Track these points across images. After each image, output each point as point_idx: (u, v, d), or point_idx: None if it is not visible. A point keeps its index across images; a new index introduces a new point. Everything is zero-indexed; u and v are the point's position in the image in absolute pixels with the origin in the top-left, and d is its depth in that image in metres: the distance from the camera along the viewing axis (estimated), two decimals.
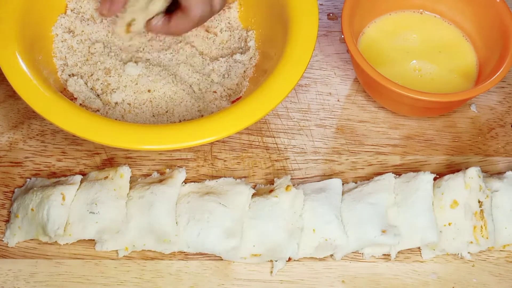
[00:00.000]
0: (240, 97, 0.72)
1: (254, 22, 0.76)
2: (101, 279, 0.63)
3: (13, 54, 0.63)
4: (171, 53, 0.73)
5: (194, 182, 0.68)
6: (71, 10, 0.74)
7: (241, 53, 0.74)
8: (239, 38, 0.76)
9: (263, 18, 0.74)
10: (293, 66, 0.65)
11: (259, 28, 0.75)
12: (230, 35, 0.76)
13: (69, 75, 0.71)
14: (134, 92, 0.70)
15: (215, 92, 0.71)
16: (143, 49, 0.73)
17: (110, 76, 0.70)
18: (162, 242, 0.63)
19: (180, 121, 0.70)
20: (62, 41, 0.72)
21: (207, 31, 0.76)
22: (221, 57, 0.74)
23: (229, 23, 0.77)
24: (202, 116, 0.70)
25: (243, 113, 0.62)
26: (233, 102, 0.71)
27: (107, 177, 0.65)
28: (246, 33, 0.75)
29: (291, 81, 0.64)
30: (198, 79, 0.72)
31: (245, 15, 0.77)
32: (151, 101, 0.70)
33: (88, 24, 0.73)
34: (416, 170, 0.69)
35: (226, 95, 0.72)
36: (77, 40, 0.73)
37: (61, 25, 0.73)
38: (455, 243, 0.64)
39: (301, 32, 0.67)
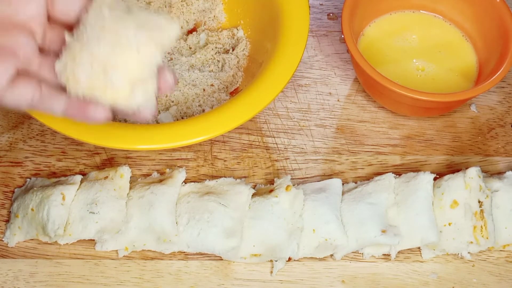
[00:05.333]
0: (238, 87, 0.72)
1: (241, 12, 0.76)
2: (101, 279, 0.63)
3: None
4: (169, 53, 0.74)
5: (194, 182, 0.67)
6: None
7: (232, 45, 0.74)
8: (227, 30, 0.76)
9: (249, 7, 0.74)
10: (289, 55, 0.65)
11: (246, 18, 0.75)
12: (218, 28, 0.76)
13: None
14: None
15: (212, 85, 0.72)
16: None
17: None
18: (162, 242, 0.63)
19: (182, 117, 0.70)
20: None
21: (195, 27, 0.76)
22: (212, 50, 0.74)
23: (214, 16, 0.77)
24: (203, 110, 0.70)
25: (240, 109, 0.62)
26: (231, 93, 0.72)
27: (107, 177, 0.65)
28: (234, 25, 0.76)
29: (289, 69, 0.64)
30: (196, 74, 0.72)
31: (230, 6, 0.77)
32: None
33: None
34: (416, 170, 0.69)
35: (223, 87, 0.72)
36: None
37: None
38: (455, 243, 0.64)
39: (293, 15, 0.67)
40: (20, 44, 0.49)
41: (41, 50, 0.52)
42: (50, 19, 0.52)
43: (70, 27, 0.52)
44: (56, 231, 0.62)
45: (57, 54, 0.51)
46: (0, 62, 0.48)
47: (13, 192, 0.68)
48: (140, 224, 0.63)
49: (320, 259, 0.65)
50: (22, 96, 0.49)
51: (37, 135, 0.71)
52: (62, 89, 0.51)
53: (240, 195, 0.64)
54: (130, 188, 0.65)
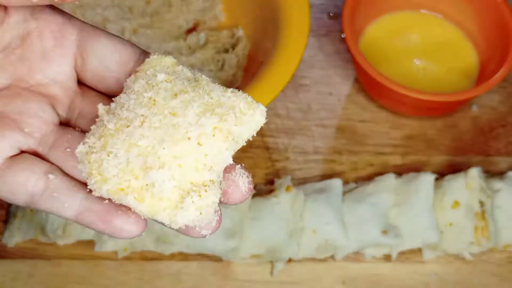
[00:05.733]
0: (238, 87, 0.72)
1: (241, 11, 0.76)
2: (100, 280, 0.63)
3: None
4: (168, 52, 0.74)
5: None
6: None
7: (232, 44, 0.74)
8: (227, 30, 0.76)
9: (249, 7, 0.74)
10: (289, 54, 0.64)
11: (246, 17, 0.75)
12: (218, 27, 0.76)
13: None
14: None
15: None
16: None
17: None
18: (162, 243, 0.63)
19: None
20: None
21: (195, 26, 0.76)
22: (212, 50, 0.74)
23: (214, 15, 0.77)
24: None
25: None
26: None
27: None
28: (234, 25, 0.76)
29: (290, 68, 0.63)
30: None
31: (230, 6, 0.77)
32: None
33: None
34: (417, 170, 0.69)
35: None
36: None
37: None
38: (456, 243, 0.64)
39: (293, 14, 0.67)
40: (30, 114, 0.36)
41: (66, 125, 0.38)
42: (82, 83, 0.38)
43: (110, 96, 0.37)
44: (55, 232, 0.61)
45: (85, 132, 0.36)
46: None
47: None
48: None
49: (321, 260, 0.65)
50: (18, 186, 0.35)
51: None
52: (81, 183, 0.36)
53: None
54: None
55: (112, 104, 0.35)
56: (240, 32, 0.75)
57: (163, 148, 0.33)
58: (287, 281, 0.64)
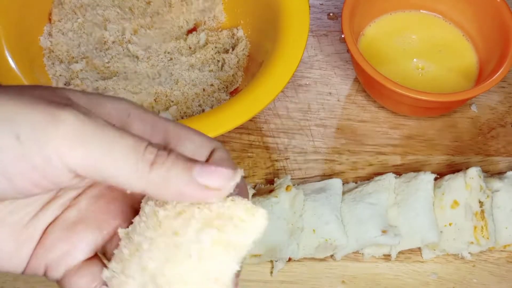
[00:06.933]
0: (238, 87, 0.72)
1: (241, 12, 0.76)
2: None
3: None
4: (169, 53, 0.74)
5: None
6: (57, 20, 0.73)
7: (232, 44, 0.74)
8: (227, 30, 0.76)
9: (249, 7, 0.74)
10: (289, 54, 0.64)
11: (246, 17, 0.75)
12: (218, 28, 0.76)
13: (65, 84, 0.71)
14: (134, 94, 0.70)
15: (212, 85, 0.71)
16: (140, 55, 0.73)
17: (107, 80, 0.70)
18: None
19: (182, 117, 0.69)
20: (51, 51, 0.72)
21: (195, 26, 0.76)
22: (212, 50, 0.74)
23: (214, 16, 0.77)
24: (203, 110, 0.70)
25: (240, 109, 0.62)
26: (231, 93, 0.71)
27: None
28: (234, 25, 0.76)
29: (289, 69, 0.63)
30: (196, 74, 0.72)
31: (230, 6, 0.77)
32: (150, 101, 0.70)
33: (73, 32, 0.73)
34: (416, 170, 0.69)
35: (223, 87, 0.72)
36: (66, 49, 0.72)
37: (48, 35, 0.72)
38: (455, 243, 0.64)
39: (293, 15, 0.67)
40: (113, 216, 0.39)
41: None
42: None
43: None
44: None
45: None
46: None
47: None
48: None
49: (320, 260, 0.65)
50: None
51: None
52: None
53: None
54: None
55: (130, 227, 0.37)
56: (240, 32, 0.75)
57: (168, 269, 0.34)
58: (287, 280, 0.64)
